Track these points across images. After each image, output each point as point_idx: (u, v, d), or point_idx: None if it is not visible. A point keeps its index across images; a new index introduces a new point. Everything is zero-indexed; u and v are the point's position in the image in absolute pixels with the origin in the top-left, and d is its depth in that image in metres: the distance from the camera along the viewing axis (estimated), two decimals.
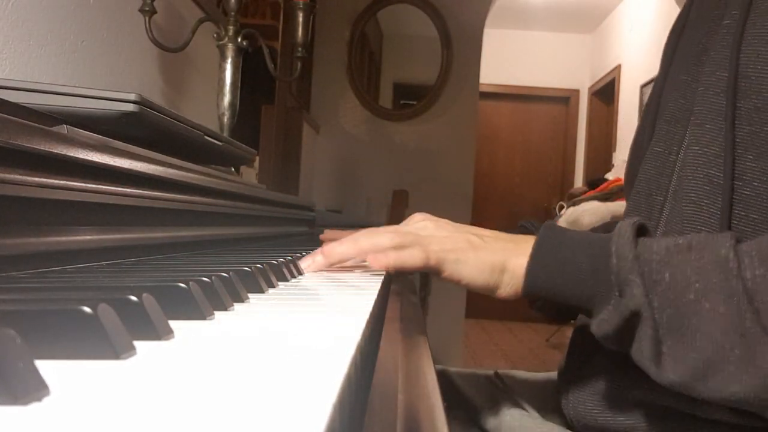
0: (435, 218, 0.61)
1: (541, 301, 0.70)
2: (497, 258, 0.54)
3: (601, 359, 0.59)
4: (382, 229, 0.59)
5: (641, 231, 0.48)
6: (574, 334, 0.66)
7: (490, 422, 0.65)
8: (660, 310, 0.44)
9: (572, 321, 0.70)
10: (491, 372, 0.76)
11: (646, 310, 0.43)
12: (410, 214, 0.63)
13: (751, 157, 0.49)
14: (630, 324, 0.45)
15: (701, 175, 0.52)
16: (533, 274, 0.51)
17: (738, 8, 0.52)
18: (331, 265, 0.60)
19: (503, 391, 0.71)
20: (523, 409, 0.68)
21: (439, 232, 0.58)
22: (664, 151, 0.58)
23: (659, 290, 0.44)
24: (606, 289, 0.46)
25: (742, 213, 0.49)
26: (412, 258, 0.54)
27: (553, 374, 0.73)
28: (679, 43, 0.63)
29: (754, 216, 0.49)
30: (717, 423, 0.49)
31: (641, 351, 0.44)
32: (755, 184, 0.49)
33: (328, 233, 0.78)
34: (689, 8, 0.64)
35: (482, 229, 0.58)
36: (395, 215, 2.56)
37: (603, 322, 0.46)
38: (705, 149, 0.52)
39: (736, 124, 0.50)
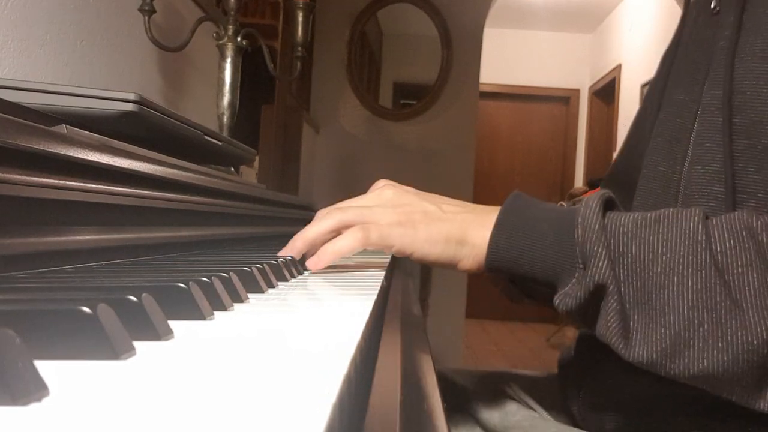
0: (397, 186, 0.59)
1: (504, 284, 0.68)
2: (454, 229, 0.52)
3: (614, 358, 0.58)
4: (335, 206, 0.58)
5: (609, 204, 0.47)
6: (582, 333, 0.66)
7: (496, 422, 0.65)
8: (626, 284, 0.43)
9: (528, 300, 0.67)
10: (492, 371, 0.76)
11: (612, 283, 0.43)
12: None
13: (752, 170, 0.49)
14: (594, 298, 0.44)
15: (706, 193, 0.52)
16: (496, 244, 0.50)
17: (729, 28, 0.52)
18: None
19: (511, 390, 0.71)
20: (531, 408, 0.68)
21: (396, 199, 0.56)
22: (667, 171, 0.58)
23: (625, 263, 0.43)
24: (570, 261, 0.45)
25: None
26: (347, 245, 0.53)
27: (554, 373, 0.73)
28: (674, 62, 0.64)
29: None
30: (737, 418, 0.48)
31: (607, 326, 0.43)
32: (760, 195, 0.48)
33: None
34: (682, 28, 0.65)
35: (447, 199, 0.57)
36: None
37: (566, 296, 0.45)
38: (707, 167, 0.52)
39: (733, 139, 0.50)
